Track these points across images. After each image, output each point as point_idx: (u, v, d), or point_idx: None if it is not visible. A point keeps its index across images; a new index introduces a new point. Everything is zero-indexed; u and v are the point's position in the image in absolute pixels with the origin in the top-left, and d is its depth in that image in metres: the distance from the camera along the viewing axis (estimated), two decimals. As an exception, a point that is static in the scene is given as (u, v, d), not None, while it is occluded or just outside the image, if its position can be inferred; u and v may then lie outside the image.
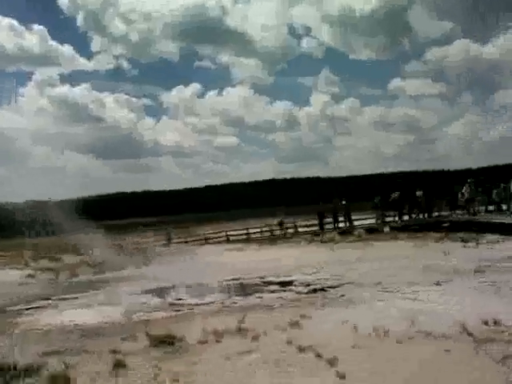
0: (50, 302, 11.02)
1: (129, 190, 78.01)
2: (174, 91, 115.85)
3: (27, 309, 10.28)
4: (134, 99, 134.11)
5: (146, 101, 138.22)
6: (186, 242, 27.56)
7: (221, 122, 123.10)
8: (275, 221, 27.66)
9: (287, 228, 26.69)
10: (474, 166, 65.21)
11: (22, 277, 15.51)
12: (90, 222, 21.55)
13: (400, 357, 6.01)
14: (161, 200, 69.76)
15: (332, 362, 5.86)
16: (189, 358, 6.40)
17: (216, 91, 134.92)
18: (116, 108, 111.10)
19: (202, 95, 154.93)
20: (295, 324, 7.63)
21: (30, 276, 15.65)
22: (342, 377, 5.40)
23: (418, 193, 23.22)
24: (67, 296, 11.58)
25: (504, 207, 21.36)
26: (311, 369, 5.77)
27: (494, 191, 21.69)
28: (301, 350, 6.41)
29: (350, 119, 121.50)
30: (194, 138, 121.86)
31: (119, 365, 6.04)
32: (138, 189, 78.11)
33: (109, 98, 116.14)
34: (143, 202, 68.05)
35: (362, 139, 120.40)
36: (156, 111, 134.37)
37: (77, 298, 11.37)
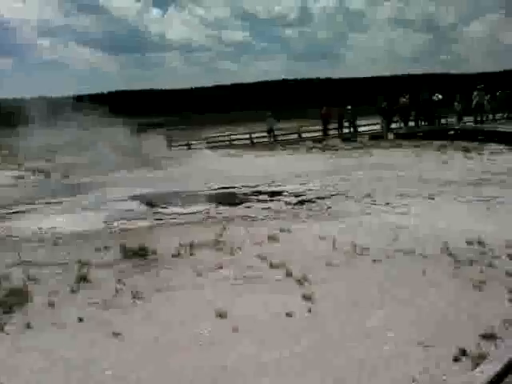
0: (33, 206, 10.85)
1: (136, 87, 76.46)
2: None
3: (8, 213, 10.14)
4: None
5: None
6: (188, 146, 27.18)
7: (231, 15, 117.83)
8: (280, 125, 26.95)
9: (289, 133, 26.08)
10: (493, 70, 62.39)
11: (12, 178, 15.33)
12: (94, 119, 21.03)
13: (373, 278, 5.78)
14: (167, 99, 68.25)
15: (301, 282, 5.67)
16: (157, 273, 6.24)
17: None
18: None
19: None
20: (273, 238, 7.41)
21: (19, 178, 15.47)
22: (308, 298, 5.20)
23: (434, 97, 22.16)
24: (53, 200, 11.40)
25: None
26: (279, 288, 5.58)
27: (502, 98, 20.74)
28: (273, 266, 6.21)
29: (367, 14, 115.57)
30: (203, 31, 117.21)
31: (82, 279, 5.89)
32: (145, 87, 76.47)
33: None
34: (149, 101, 66.67)
35: (377, 37, 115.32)
36: (163, 1, 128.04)
37: (62, 202, 11.20)
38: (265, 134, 26.38)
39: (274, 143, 24.47)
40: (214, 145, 26.51)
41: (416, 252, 6.58)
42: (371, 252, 6.66)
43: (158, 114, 57.86)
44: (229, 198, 11.12)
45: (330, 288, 5.51)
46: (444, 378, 3.76)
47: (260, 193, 11.50)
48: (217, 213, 9.75)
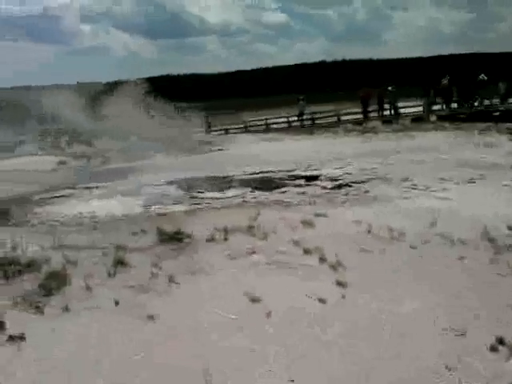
0: (73, 191, 11.13)
1: (175, 72, 76.72)
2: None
3: (50, 198, 10.42)
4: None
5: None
6: (226, 130, 27.25)
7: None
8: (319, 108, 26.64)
9: (328, 116, 25.73)
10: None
11: (55, 163, 15.74)
12: (136, 105, 21.31)
13: (409, 264, 5.67)
14: (206, 83, 68.47)
15: (335, 268, 5.61)
16: (192, 257, 6.30)
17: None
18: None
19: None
20: (308, 223, 7.34)
21: (61, 163, 15.86)
22: (341, 285, 5.15)
23: (480, 77, 21.39)
24: (92, 185, 11.65)
25: None
26: (312, 273, 5.54)
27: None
28: (306, 252, 6.17)
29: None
30: (241, 14, 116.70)
31: (119, 262, 6.00)
32: (185, 71, 76.71)
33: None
34: (188, 85, 66.99)
35: (419, 16, 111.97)
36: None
37: (102, 187, 11.43)
38: (304, 117, 26.16)
39: (305, 127, 24.26)
40: (251, 129, 26.49)
41: (455, 237, 6.40)
42: (408, 237, 6.52)
43: (197, 99, 58.24)
44: (264, 183, 11.10)
45: (365, 274, 5.44)
46: (480, 366, 3.66)
47: (296, 177, 11.44)
48: (252, 197, 9.76)
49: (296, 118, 25.91)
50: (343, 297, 4.90)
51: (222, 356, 3.98)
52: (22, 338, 4.34)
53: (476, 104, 21.60)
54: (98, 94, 22.02)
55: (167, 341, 4.26)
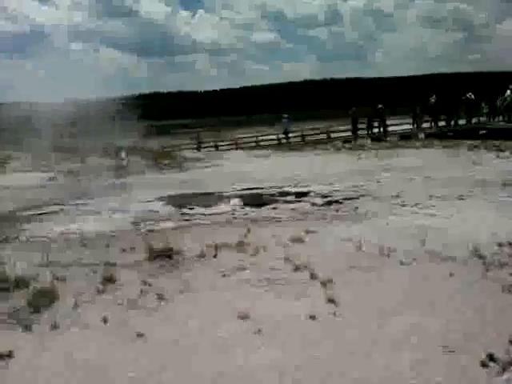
0: (62, 207, 11.02)
1: (164, 89, 77.17)
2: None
3: (37, 214, 10.30)
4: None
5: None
6: (216, 147, 27.32)
7: (259, 16, 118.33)
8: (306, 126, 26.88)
9: (318, 133, 25.95)
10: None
11: (43, 180, 15.61)
12: (124, 122, 21.31)
13: (399, 281, 5.67)
14: (196, 101, 68.84)
15: (325, 285, 5.59)
16: (181, 274, 6.26)
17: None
18: (151, 1, 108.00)
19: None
20: (298, 240, 7.34)
21: (51, 179, 15.74)
22: (332, 301, 5.13)
23: (467, 95, 21.73)
24: (81, 201, 11.56)
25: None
26: (302, 290, 5.52)
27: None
28: (297, 268, 6.15)
29: (396, 14, 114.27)
30: (231, 33, 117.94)
31: (108, 280, 5.94)
32: (174, 89, 77.20)
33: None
34: (178, 103, 67.33)
35: (407, 37, 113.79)
36: (192, 4, 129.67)
37: (90, 203, 11.34)
38: (294, 135, 26.35)
39: (292, 144, 24.42)
40: (241, 146, 26.60)
41: (444, 254, 6.43)
42: (398, 254, 6.53)
43: (187, 116, 58.49)
44: (254, 199, 11.10)
45: (355, 291, 5.43)
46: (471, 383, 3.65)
47: (286, 194, 11.46)
48: (242, 214, 9.74)
49: (283, 136, 26.14)
50: (334, 314, 4.88)
51: (211, 375, 3.93)
52: (9, 355, 4.27)
53: (463, 122, 21.91)
54: (89, 110, 21.97)
55: (156, 359, 4.21)
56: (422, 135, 22.30)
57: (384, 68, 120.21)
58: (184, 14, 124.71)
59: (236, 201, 10.92)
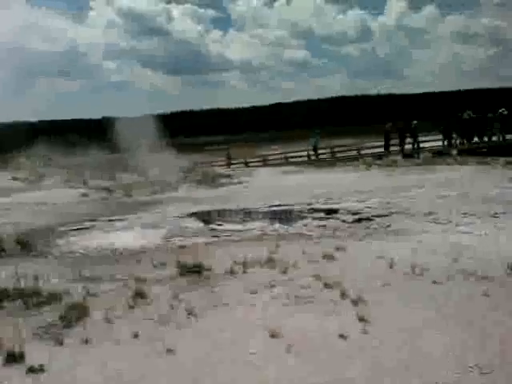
0: (95, 223, 11.23)
1: (196, 107, 78.04)
2: (241, 0, 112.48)
3: (72, 230, 10.51)
4: (201, 10, 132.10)
5: (212, 12, 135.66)
6: (246, 163, 27.44)
7: (289, 34, 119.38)
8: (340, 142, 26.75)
9: (348, 150, 25.78)
10: None
11: (77, 196, 15.96)
12: (156, 140, 21.75)
13: (432, 300, 5.55)
14: (227, 118, 69.41)
15: (356, 303, 5.52)
16: (211, 289, 6.27)
17: (285, 0, 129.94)
18: (183, 20, 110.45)
19: (270, 4, 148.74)
20: (328, 257, 7.27)
21: (84, 195, 16.08)
22: (363, 320, 5.05)
23: (500, 111, 21.30)
24: (114, 217, 11.74)
25: None
26: (333, 308, 5.45)
27: None
28: (327, 286, 6.09)
29: (428, 30, 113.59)
30: (262, 51, 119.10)
31: (139, 294, 6.00)
32: (206, 106, 77.96)
33: (176, 10, 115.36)
34: (210, 120, 68.01)
35: (438, 52, 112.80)
36: (223, 23, 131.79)
37: (122, 219, 11.52)
38: (323, 151, 26.26)
39: (321, 161, 24.34)
40: (271, 162, 26.63)
41: (479, 273, 6.27)
42: (431, 272, 6.40)
43: (219, 133, 59.05)
44: (284, 216, 11.09)
45: (387, 310, 5.34)
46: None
47: (316, 210, 11.39)
48: (272, 230, 9.73)
49: (313, 152, 26.07)
50: (365, 332, 4.80)
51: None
52: (41, 369, 4.33)
53: (496, 138, 21.49)
54: (121, 128, 22.51)
55: (186, 374, 4.21)
56: (454, 151, 21.92)
57: (416, 84, 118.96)
58: (215, 32, 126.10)
59: (265, 217, 10.92)
